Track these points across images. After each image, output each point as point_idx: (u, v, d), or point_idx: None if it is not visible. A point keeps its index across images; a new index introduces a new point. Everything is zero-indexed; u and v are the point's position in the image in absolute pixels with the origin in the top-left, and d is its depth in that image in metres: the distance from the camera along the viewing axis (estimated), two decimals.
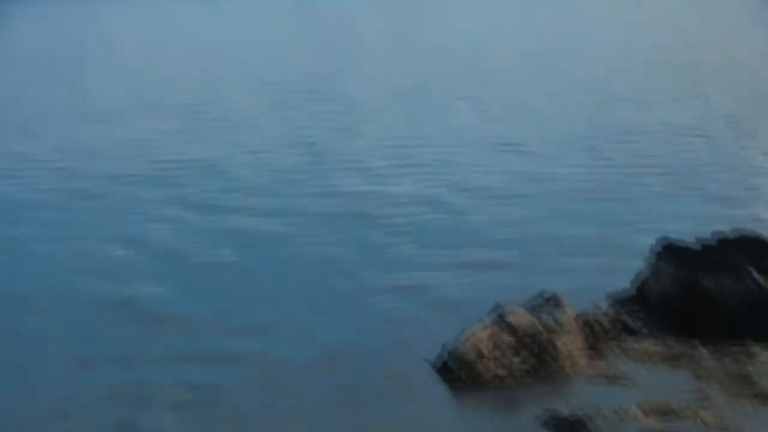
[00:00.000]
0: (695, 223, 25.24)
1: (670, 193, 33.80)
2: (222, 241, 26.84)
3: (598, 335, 19.77)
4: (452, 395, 17.42)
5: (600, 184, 35.18)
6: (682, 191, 34.17)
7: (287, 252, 25.79)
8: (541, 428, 15.82)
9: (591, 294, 21.46)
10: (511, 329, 18.56)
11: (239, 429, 15.82)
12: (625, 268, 22.81)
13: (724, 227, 22.19)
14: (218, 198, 32.29)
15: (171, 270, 24.38)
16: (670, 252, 22.07)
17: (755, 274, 20.67)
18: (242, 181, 35.24)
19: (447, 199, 32.57)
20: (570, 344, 18.83)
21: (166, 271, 24.26)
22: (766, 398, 16.81)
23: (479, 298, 20.78)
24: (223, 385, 17.44)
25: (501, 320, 18.74)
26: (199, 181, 35.14)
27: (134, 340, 19.71)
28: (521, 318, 18.90)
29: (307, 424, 15.91)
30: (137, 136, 43.92)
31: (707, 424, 15.81)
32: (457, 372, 17.82)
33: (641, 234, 24.64)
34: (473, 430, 15.90)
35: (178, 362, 18.60)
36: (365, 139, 43.73)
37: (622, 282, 22.37)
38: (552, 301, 19.55)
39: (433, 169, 37.54)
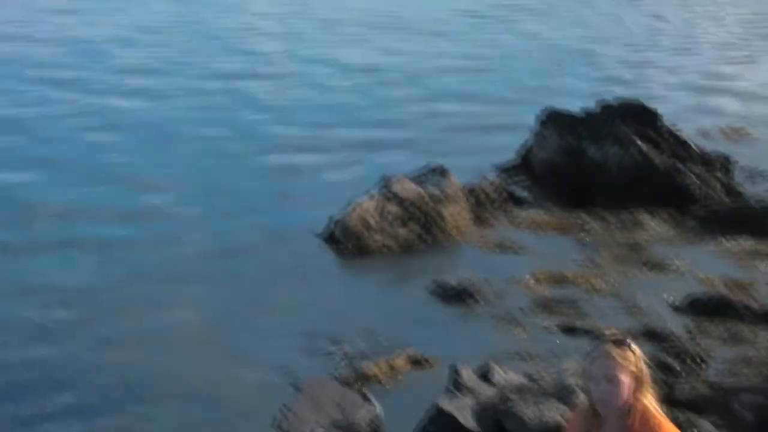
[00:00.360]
0: (583, 98, 24.73)
1: (557, 70, 33.61)
2: (98, 123, 25.60)
3: (484, 205, 19.40)
4: (341, 266, 16.87)
5: (485, 62, 34.85)
6: (570, 68, 34.01)
7: (166, 133, 24.79)
8: (429, 297, 15.44)
9: (478, 168, 21.09)
10: (398, 199, 18.09)
11: (132, 320, 14.90)
12: (512, 144, 22.49)
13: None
14: (97, 79, 31.17)
15: (45, 155, 22.96)
16: (554, 120, 21.73)
17: (639, 143, 20.46)
18: (122, 60, 34.19)
19: (329, 77, 31.94)
20: (456, 214, 18.41)
21: (40, 156, 22.82)
22: (655, 265, 16.59)
23: (366, 175, 20.18)
24: (113, 274, 16.28)
25: (387, 191, 18.25)
26: (78, 62, 34.00)
27: (10, 228, 18.33)
28: (407, 188, 18.42)
29: (202, 307, 15.24)
30: (18, 15, 42.52)
31: (599, 290, 15.55)
32: (344, 242, 17.33)
33: (528, 110, 23.99)
34: (362, 301, 15.40)
35: (63, 249, 17.34)
36: (248, 15, 42.87)
37: (510, 157, 22.11)
38: (438, 172, 19.12)
39: (315, 46, 36.88)
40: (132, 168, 21.86)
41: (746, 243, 17.60)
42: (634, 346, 5.47)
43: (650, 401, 5.47)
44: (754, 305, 14.65)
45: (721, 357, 13.06)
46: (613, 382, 5.39)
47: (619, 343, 5.43)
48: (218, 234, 18.07)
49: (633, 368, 5.40)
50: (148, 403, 12.01)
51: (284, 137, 24.50)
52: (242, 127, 25.41)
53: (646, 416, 5.42)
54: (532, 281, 15.84)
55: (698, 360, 12.86)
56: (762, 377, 12.25)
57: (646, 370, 5.44)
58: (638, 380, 5.41)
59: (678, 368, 12.56)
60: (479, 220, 18.79)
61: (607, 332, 5.57)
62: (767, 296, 15.21)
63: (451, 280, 15.76)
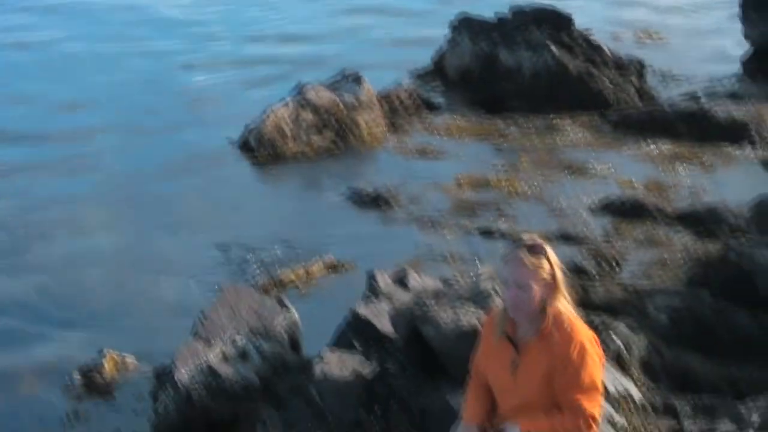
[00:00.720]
0: (496, 7, 24.29)
1: None
2: (6, 41, 24.95)
3: (398, 111, 19.24)
4: (256, 175, 16.64)
5: None
6: None
7: (76, 53, 24.04)
8: (345, 203, 15.24)
9: (393, 79, 20.84)
10: (312, 107, 17.84)
11: (50, 243, 14.28)
12: (428, 57, 22.27)
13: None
14: None
15: None
16: (466, 26, 21.50)
17: (552, 48, 20.36)
18: None
19: None
20: (371, 121, 18.19)
21: None
22: (573, 169, 16.43)
23: (281, 91, 19.54)
24: (30, 198, 15.82)
25: (302, 98, 18.00)
26: None
27: None
28: (321, 96, 18.14)
29: (119, 227, 14.86)
30: None
31: (519, 194, 15.46)
32: (259, 150, 17.08)
33: (444, 23, 23.48)
34: (278, 208, 15.16)
35: None
36: None
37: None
38: (352, 79, 18.89)
39: None
40: (43, 88, 21.23)
41: (663, 147, 17.60)
42: (549, 251, 5.41)
43: (564, 305, 5.44)
44: (669, 209, 14.72)
45: (637, 259, 13.08)
46: (524, 288, 5.34)
47: (533, 249, 5.37)
48: (134, 153, 17.73)
49: (545, 275, 5.35)
50: (69, 324, 11.84)
51: (198, 54, 23.93)
52: (154, 45, 24.76)
53: (559, 319, 5.40)
54: (447, 186, 15.74)
55: (613, 263, 12.88)
56: (676, 279, 12.33)
57: (560, 275, 5.40)
58: (551, 286, 5.37)
59: (593, 271, 12.58)
60: (394, 126, 18.64)
61: (523, 236, 5.48)
62: (684, 199, 15.26)
63: (367, 186, 15.66)
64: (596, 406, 5.41)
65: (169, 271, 13.11)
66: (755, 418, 8.00)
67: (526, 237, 5.52)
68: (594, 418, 5.39)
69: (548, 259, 5.35)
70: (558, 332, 5.38)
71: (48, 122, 19.16)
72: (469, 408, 5.66)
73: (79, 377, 10.39)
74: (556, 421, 5.36)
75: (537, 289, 5.34)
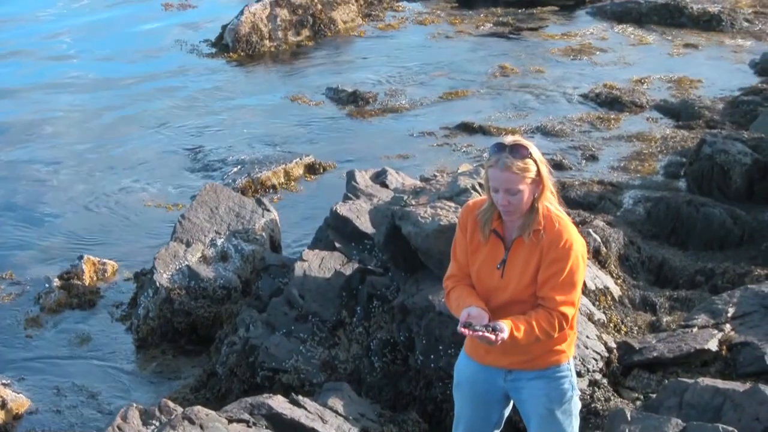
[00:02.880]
0: None
1: None
2: None
3: (373, 4, 19.32)
4: (232, 72, 16.49)
5: None
6: None
7: None
8: (323, 100, 14.98)
9: None
10: (289, 5, 17.71)
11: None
12: None
13: None
14: None
15: None
16: None
17: None
18: None
19: None
20: (346, 16, 18.22)
21: None
22: (556, 59, 16.58)
23: None
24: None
25: None
26: None
27: None
28: None
29: (89, 108, 14.95)
30: None
31: (495, 85, 15.52)
32: (235, 49, 16.96)
33: None
34: (254, 107, 14.96)
35: None
36: None
37: None
38: None
39: None
40: None
41: (640, 34, 17.70)
42: (532, 149, 5.27)
43: (551, 201, 5.35)
44: (643, 99, 14.63)
45: (614, 153, 12.99)
46: (514, 192, 5.22)
47: (518, 151, 5.21)
48: (109, 57, 17.61)
49: (533, 176, 5.23)
50: (46, 232, 11.52)
51: None
52: None
53: (550, 217, 5.30)
54: (424, 78, 15.70)
55: (591, 157, 12.80)
56: (652, 171, 12.27)
57: (546, 173, 5.27)
58: (539, 185, 5.26)
59: (571, 165, 12.50)
60: (368, 17, 18.75)
61: (505, 138, 5.31)
62: (662, 91, 15.16)
63: (344, 82, 15.51)
64: (570, 307, 5.35)
65: (147, 173, 12.90)
66: (730, 310, 7.98)
67: (508, 138, 5.35)
68: (566, 318, 5.34)
69: (533, 159, 5.23)
70: (550, 230, 5.29)
71: None
72: (470, 297, 5.54)
73: (57, 282, 10.10)
74: (532, 318, 5.30)
75: (526, 191, 5.22)
